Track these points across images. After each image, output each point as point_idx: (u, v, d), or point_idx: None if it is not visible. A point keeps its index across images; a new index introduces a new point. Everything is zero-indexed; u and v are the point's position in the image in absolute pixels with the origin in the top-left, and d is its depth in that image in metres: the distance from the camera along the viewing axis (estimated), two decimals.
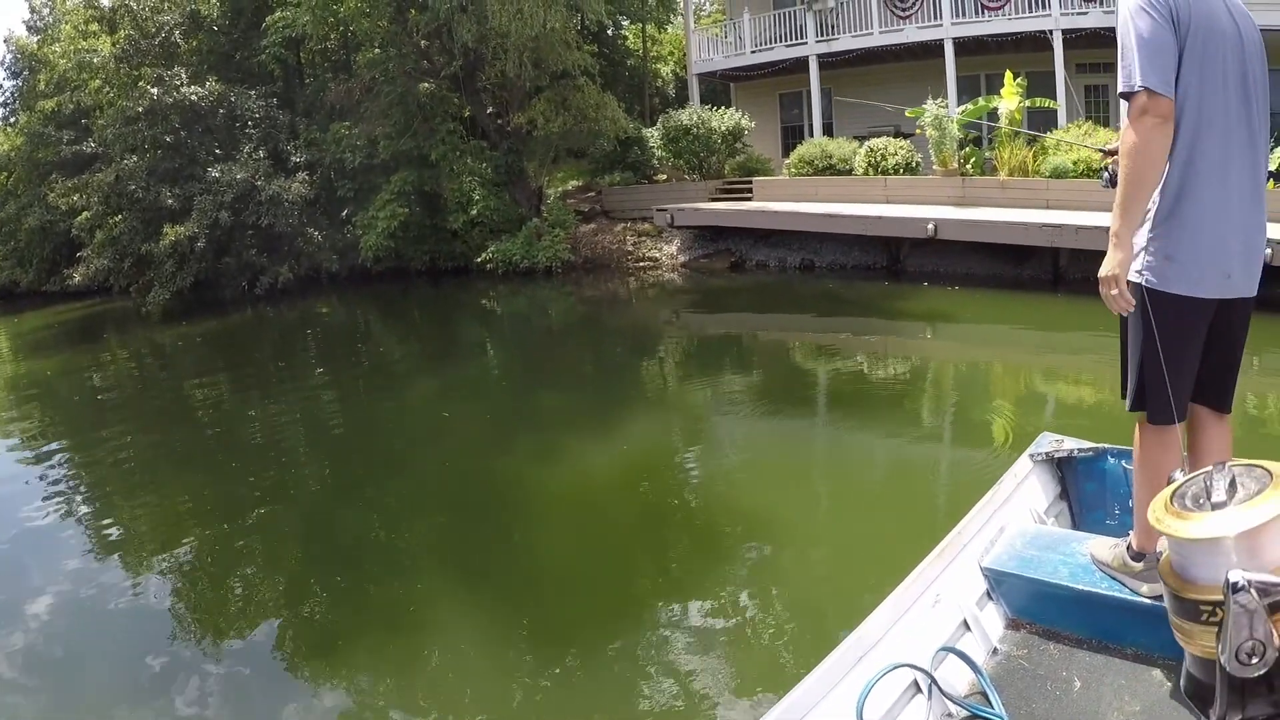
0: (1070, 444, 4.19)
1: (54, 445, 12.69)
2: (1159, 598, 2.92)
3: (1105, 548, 3.25)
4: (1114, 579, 3.13)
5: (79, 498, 10.08)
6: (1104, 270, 2.82)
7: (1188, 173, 2.78)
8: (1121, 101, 2.84)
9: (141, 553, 8.09)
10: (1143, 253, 2.86)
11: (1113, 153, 3.54)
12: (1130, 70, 2.69)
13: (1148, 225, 2.85)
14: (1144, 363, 2.92)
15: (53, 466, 11.34)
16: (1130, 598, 3.05)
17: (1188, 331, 2.89)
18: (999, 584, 3.41)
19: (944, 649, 3.03)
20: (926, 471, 8.00)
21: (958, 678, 2.97)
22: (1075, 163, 15.77)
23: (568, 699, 5.04)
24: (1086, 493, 4.15)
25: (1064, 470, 4.22)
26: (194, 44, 27.36)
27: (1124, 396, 3.09)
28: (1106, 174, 3.61)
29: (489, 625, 6.06)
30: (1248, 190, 2.85)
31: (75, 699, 5.57)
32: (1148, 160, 2.71)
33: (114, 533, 8.82)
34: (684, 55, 28.56)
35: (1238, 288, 2.89)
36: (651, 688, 5.01)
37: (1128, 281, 2.83)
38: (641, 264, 22.14)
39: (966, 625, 3.23)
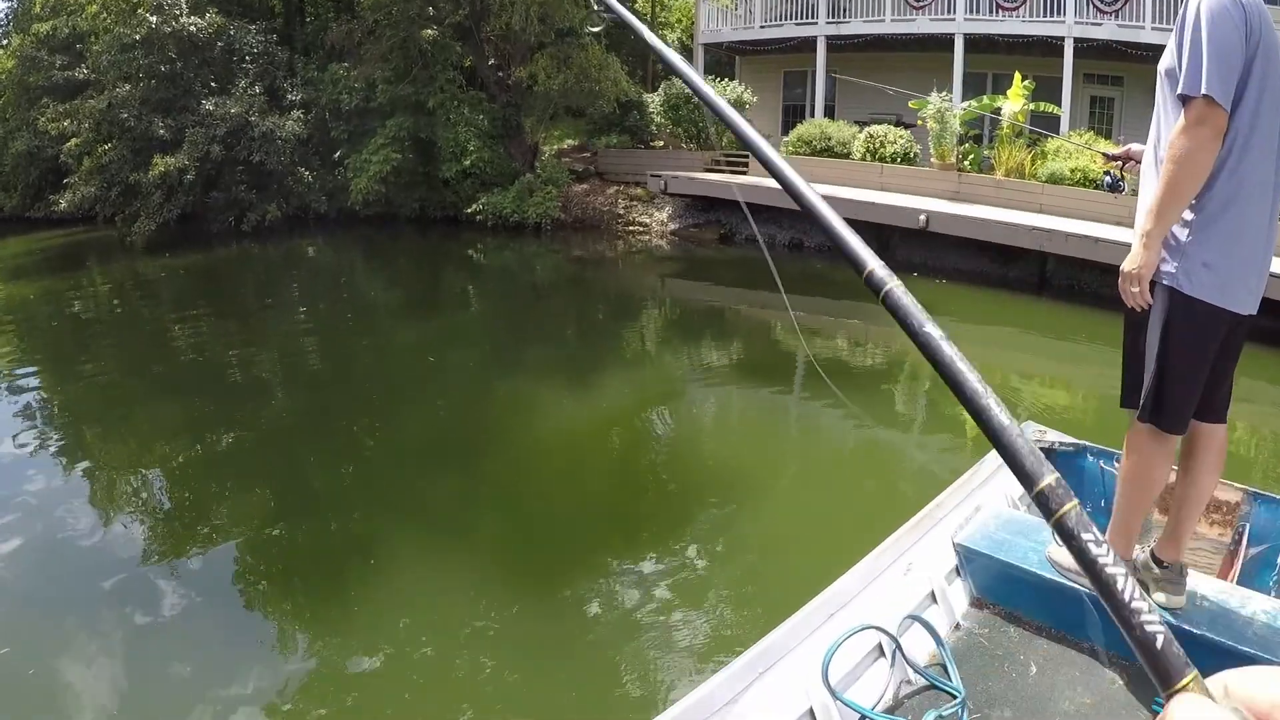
0: (1053, 436, 4.22)
1: (29, 368, 12.64)
2: None
3: (1065, 551, 3.19)
4: (1079, 586, 3.10)
5: (51, 420, 10.10)
6: (1128, 266, 2.83)
7: (1236, 183, 2.76)
8: (1164, 96, 2.84)
9: (109, 478, 8.17)
10: (1179, 256, 2.82)
11: (1116, 159, 3.56)
12: (1195, 74, 2.64)
13: (1187, 229, 2.81)
14: (1161, 368, 2.88)
15: (27, 389, 11.29)
16: (1093, 594, 3.03)
17: (1208, 340, 2.87)
18: (969, 561, 3.46)
19: (910, 617, 3.10)
20: (893, 451, 8.18)
21: (920, 647, 3.05)
22: (1072, 170, 15.77)
23: (534, 648, 5.10)
24: None
25: None
26: None
27: (1125, 401, 3.06)
28: (1109, 178, 3.59)
29: (457, 570, 6.12)
30: (1274, 210, 2.86)
31: (29, 620, 5.59)
32: (1194, 169, 2.68)
33: (82, 456, 8.86)
34: (691, 24, 28.41)
35: (1254, 304, 2.90)
36: (620, 639, 5.08)
37: (1158, 284, 2.84)
38: (631, 228, 22.12)
39: (934, 597, 3.30)
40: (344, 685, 4.81)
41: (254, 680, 4.88)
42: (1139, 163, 3.38)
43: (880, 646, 2.94)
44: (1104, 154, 3.73)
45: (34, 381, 11.77)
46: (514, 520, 6.94)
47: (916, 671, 2.92)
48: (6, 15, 33.11)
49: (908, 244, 17.07)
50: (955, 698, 2.81)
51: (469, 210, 22.90)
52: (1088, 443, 4.16)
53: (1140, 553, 3.14)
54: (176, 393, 10.78)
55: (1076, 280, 14.35)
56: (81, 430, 9.86)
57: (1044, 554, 3.30)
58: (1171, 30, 2.83)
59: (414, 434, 9.10)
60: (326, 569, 6.17)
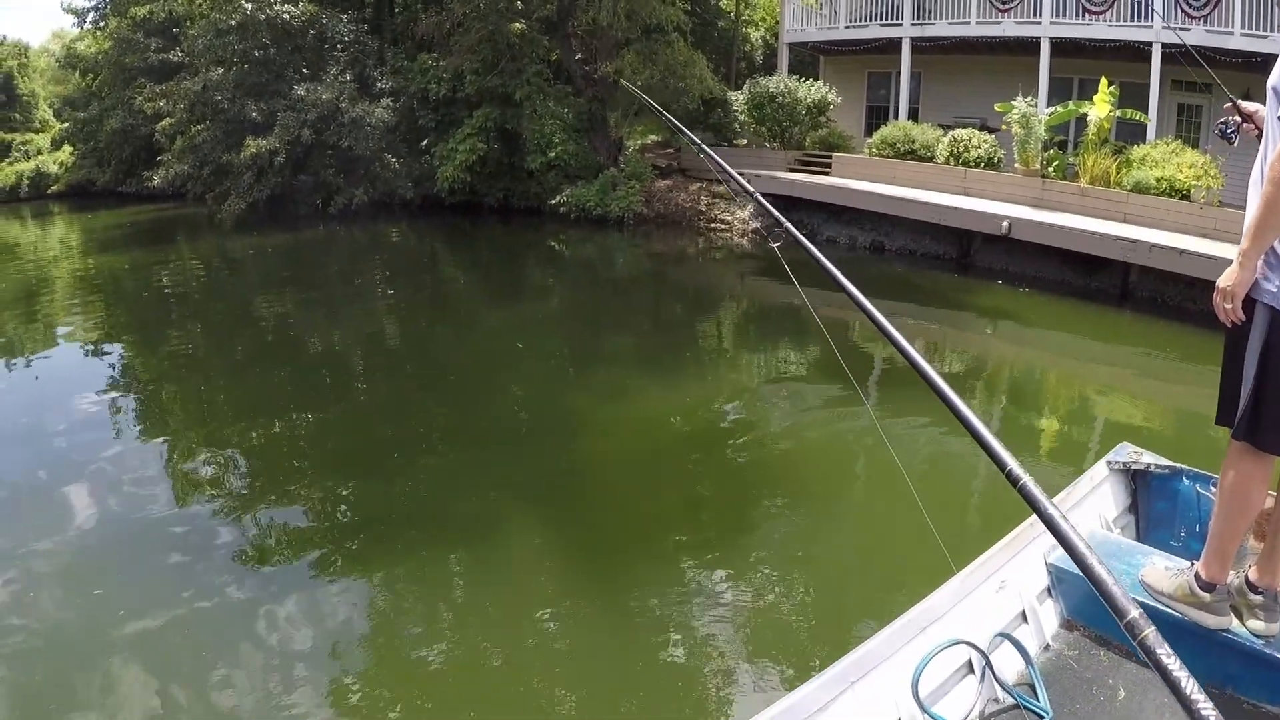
0: (1148, 458, 4.20)
1: (118, 337, 13.24)
2: (1225, 631, 3.03)
3: (1164, 577, 3.20)
4: (1171, 610, 3.08)
5: (135, 386, 10.70)
6: (1224, 282, 2.81)
7: None
8: (1273, 113, 2.77)
9: (189, 444, 8.61)
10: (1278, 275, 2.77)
11: (1239, 110, 3.47)
12: None
13: None
14: (1259, 387, 2.84)
15: (115, 357, 11.89)
16: (1186, 619, 3.07)
17: None
18: (1060, 581, 3.47)
19: (1001, 635, 3.10)
20: (973, 466, 8.06)
21: (1010, 665, 3.05)
22: (1158, 179, 15.53)
23: (604, 643, 5.22)
24: (1156, 510, 4.14)
25: (1137, 483, 4.21)
26: None
27: (1221, 419, 3.01)
28: (1222, 127, 3.53)
29: (527, 553, 6.32)
30: None
31: (99, 575, 5.99)
32: None
33: (164, 422, 9.41)
34: (776, 22, 28.44)
35: None
36: (697, 641, 5.13)
37: (1259, 302, 2.80)
38: (713, 225, 22.26)
39: (1024, 616, 3.31)
40: (406, 660, 5.04)
41: (313, 639, 5.20)
42: (1258, 128, 3.26)
43: (970, 663, 2.96)
44: (1233, 100, 3.58)
45: (122, 350, 12.37)
46: (587, 510, 7.09)
47: (1005, 690, 2.92)
48: None
49: (989, 250, 17.02)
50: (1043, 718, 2.82)
51: (553, 202, 23.27)
52: (1183, 465, 4.12)
53: (1235, 578, 3.07)
54: (260, 366, 11.28)
55: (1160, 293, 14.18)
56: (163, 395, 10.40)
57: (1137, 577, 3.27)
58: (1259, 36, 2.76)
59: (491, 417, 9.40)
60: (398, 541, 6.46)
